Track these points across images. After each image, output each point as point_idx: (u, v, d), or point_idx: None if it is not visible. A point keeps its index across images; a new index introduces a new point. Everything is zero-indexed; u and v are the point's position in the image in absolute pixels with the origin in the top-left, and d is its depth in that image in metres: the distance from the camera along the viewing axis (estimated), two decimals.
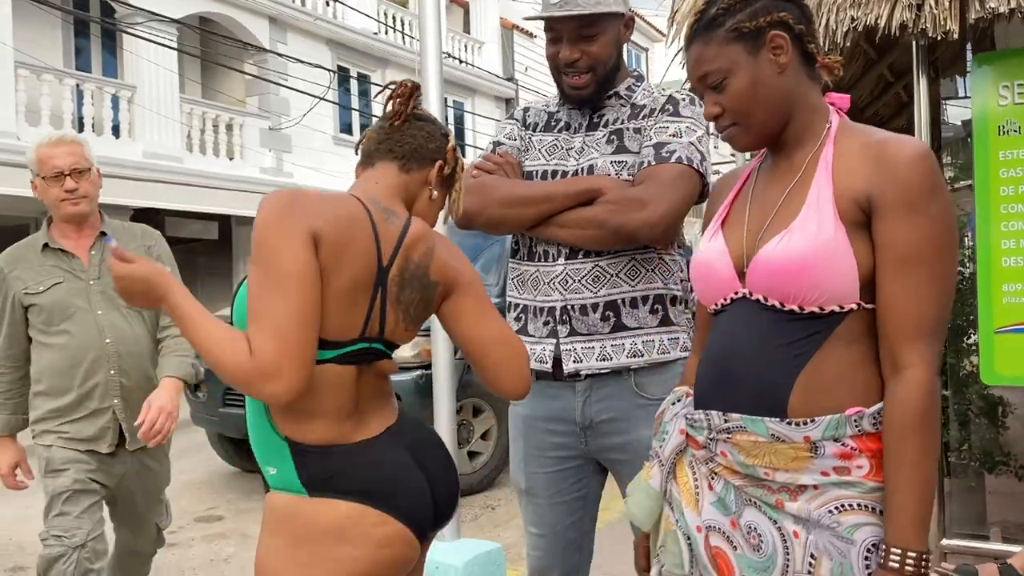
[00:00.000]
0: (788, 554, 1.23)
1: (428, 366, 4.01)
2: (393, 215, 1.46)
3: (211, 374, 5.17)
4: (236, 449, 5.90)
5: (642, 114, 1.89)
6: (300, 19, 13.49)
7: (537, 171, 1.93)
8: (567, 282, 1.84)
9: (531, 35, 19.04)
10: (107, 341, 2.52)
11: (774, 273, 1.26)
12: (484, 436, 5.52)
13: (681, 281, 1.91)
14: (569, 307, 1.84)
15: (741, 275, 1.33)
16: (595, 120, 1.94)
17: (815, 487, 1.22)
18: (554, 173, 1.91)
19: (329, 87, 13.20)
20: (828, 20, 2.92)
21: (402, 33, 15.91)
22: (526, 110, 2.07)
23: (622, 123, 1.90)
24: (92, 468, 2.52)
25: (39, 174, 2.54)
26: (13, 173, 8.77)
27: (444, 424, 3.27)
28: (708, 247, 1.40)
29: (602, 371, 1.83)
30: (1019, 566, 1.25)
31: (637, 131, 1.87)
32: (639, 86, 1.95)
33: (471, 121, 17.16)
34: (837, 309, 1.24)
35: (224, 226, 12.66)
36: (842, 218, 1.23)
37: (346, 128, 14.93)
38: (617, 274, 1.83)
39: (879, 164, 1.23)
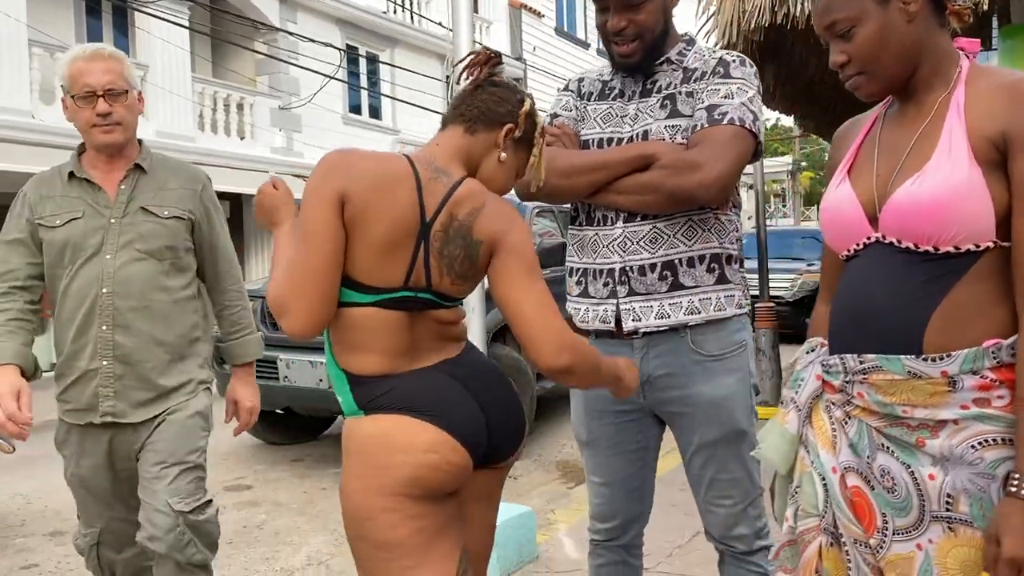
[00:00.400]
0: (923, 496, 1.27)
1: None
2: (444, 174, 1.53)
3: None
4: (261, 422, 5.90)
5: (694, 77, 1.92)
6: None
7: (593, 139, 1.97)
8: (626, 244, 1.89)
9: (539, 15, 18.97)
10: (103, 291, 2.16)
11: (908, 215, 1.28)
12: None
13: (737, 240, 1.95)
14: (628, 268, 1.89)
15: (872, 220, 1.35)
16: (648, 87, 1.97)
17: (955, 422, 1.24)
18: (609, 141, 1.94)
19: (339, 66, 13.20)
20: None
21: (410, 12, 15.87)
22: (580, 80, 2.11)
23: (675, 88, 1.93)
24: (88, 451, 2.24)
25: (70, 92, 2.18)
26: (30, 151, 8.84)
27: None
28: (835, 194, 1.42)
29: (660, 328, 1.88)
30: None
31: (689, 95, 1.90)
32: (690, 50, 1.97)
33: None
34: (973, 248, 1.25)
35: (235, 205, 12.69)
36: (976, 158, 1.25)
37: (355, 108, 14.94)
38: (674, 235, 1.87)
39: (1014, 102, 1.25)
